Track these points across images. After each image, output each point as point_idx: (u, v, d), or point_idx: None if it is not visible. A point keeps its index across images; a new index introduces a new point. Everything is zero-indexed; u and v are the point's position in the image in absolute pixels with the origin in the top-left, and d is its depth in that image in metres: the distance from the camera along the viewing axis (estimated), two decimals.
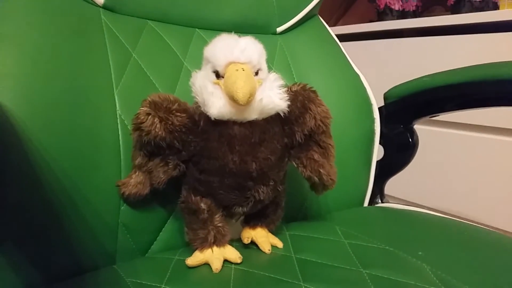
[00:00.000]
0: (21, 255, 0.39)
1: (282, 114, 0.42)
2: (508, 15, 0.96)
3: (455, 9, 1.19)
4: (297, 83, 0.46)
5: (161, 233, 0.48)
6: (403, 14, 1.35)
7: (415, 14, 1.35)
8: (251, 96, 0.37)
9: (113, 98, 0.47)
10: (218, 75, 0.40)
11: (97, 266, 0.43)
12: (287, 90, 0.44)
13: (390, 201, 0.69)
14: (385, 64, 1.20)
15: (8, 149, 0.37)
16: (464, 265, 0.42)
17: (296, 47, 0.67)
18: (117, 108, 0.47)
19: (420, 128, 0.67)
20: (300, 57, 0.66)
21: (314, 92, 0.46)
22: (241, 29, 0.59)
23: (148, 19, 0.55)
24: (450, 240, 0.48)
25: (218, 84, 0.39)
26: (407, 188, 1.15)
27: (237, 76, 0.37)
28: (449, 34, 1.07)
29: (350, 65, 0.69)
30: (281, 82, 0.43)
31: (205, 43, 0.45)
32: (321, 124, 0.45)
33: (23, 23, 0.43)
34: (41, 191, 0.39)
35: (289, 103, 0.42)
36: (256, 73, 0.40)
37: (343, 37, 0.73)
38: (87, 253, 0.43)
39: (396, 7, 1.33)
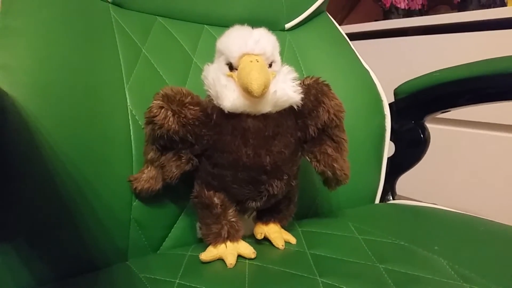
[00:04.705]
0: (32, 250, 0.38)
1: (295, 107, 0.42)
2: None
3: (462, 6, 1.18)
4: (310, 77, 0.46)
5: (173, 229, 0.48)
6: (408, 13, 1.34)
7: (420, 13, 1.35)
8: (265, 88, 0.37)
9: (124, 93, 0.47)
10: (231, 67, 0.39)
11: (109, 262, 0.43)
12: (300, 84, 0.43)
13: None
14: (391, 63, 1.19)
15: (19, 145, 0.37)
16: (481, 259, 0.41)
17: (305, 44, 0.66)
18: (128, 103, 0.46)
19: (429, 126, 0.66)
20: (309, 53, 0.66)
21: (327, 85, 0.45)
22: (249, 25, 0.59)
23: (157, 15, 0.55)
24: (465, 234, 0.48)
25: (232, 76, 0.39)
26: (416, 188, 1.14)
27: (252, 67, 0.37)
28: (456, 32, 1.06)
29: (360, 61, 0.68)
30: (295, 74, 0.42)
31: (214, 39, 0.44)
32: (334, 118, 0.44)
33: (34, 18, 0.43)
34: (52, 186, 0.39)
35: (302, 96, 0.42)
36: (270, 65, 0.40)
37: (349, 36, 0.72)
38: (99, 249, 0.42)
39: (402, 5, 1.32)
